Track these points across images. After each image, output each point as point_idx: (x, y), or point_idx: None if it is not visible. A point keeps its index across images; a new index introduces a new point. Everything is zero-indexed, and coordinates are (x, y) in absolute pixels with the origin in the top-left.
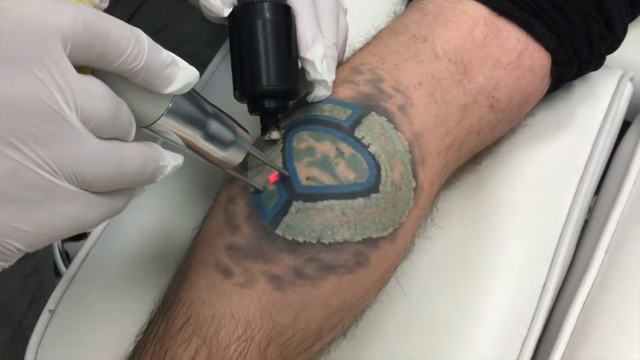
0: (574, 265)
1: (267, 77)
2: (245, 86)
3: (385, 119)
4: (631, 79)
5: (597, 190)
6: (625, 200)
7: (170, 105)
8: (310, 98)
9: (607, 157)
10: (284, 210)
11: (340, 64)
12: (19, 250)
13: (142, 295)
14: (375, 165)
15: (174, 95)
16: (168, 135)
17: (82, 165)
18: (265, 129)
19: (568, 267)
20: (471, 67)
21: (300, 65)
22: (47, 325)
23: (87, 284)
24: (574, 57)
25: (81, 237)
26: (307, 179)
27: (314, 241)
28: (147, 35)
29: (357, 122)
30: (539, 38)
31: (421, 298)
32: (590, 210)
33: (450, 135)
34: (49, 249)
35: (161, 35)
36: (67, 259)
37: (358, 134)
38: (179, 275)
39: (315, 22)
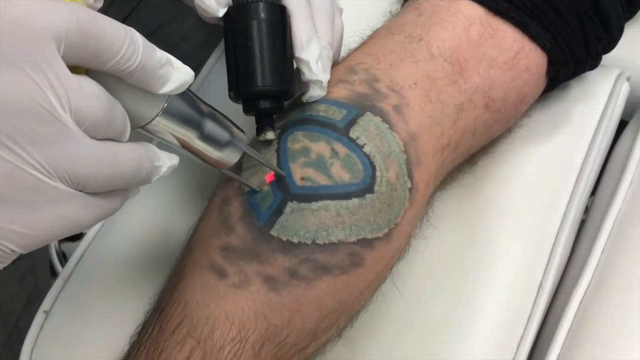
0: (570, 265)
1: (262, 78)
2: (240, 86)
3: (381, 119)
4: (628, 79)
5: (594, 190)
6: (622, 200)
7: (166, 105)
8: (305, 98)
9: (603, 157)
10: (278, 211)
11: (335, 63)
12: (13, 251)
13: (138, 296)
14: (370, 166)
15: (169, 95)
16: (163, 135)
17: (76, 166)
18: (260, 130)
19: (564, 267)
20: (467, 66)
21: (295, 66)
22: (42, 325)
23: (83, 285)
24: (570, 57)
25: (78, 237)
26: (302, 179)
27: (309, 242)
28: (141, 35)
29: (352, 122)
30: (534, 38)
31: (417, 299)
32: (587, 211)
33: (445, 135)
34: (45, 249)
35: (157, 36)
36: (64, 259)
37: (353, 134)
38: (174, 276)
39: (310, 22)
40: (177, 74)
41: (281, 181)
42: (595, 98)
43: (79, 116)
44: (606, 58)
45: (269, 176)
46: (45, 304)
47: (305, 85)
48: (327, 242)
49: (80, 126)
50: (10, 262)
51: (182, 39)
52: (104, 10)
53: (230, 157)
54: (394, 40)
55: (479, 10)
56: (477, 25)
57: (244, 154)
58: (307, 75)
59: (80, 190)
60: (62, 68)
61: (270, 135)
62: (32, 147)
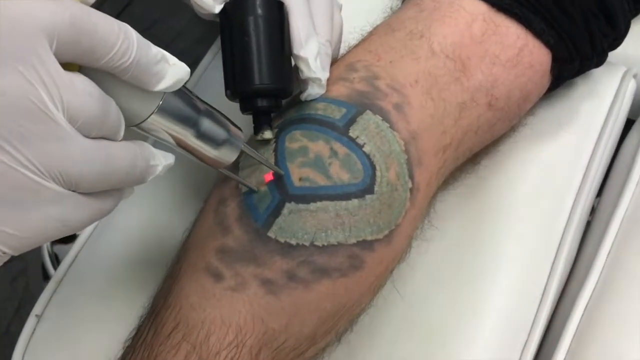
0: (576, 268)
1: (260, 76)
2: (237, 85)
3: (381, 118)
4: (635, 76)
5: (600, 191)
6: (629, 201)
7: (161, 102)
8: (303, 96)
9: (610, 156)
10: (276, 211)
11: (334, 61)
12: (4, 253)
13: (132, 299)
14: (370, 166)
15: (165, 92)
16: (159, 133)
17: (69, 165)
18: (257, 129)
19: (570, 269)
20: (469, 63)
21: (293, 63)
22: (34, 330)
23: (75, 288)
24: (575, 54)
25: (71, 239)
26: (300, 179)
27: (307, 244)
28: (135, 31)
29: (351, 121)
30: (538, 34)
31: (418, 302)
32: (593, 211)
33: (447, 134)
34: (37, 251)
35: (151, 32)
36: (57, 261)
37: (352, 133)
38: (169, 278)
39: (308, 18)
40: (172, 71)
41: (279, 181)
42: (601, 96)
43: (71, 114)
44: (612, 55)
45: (268, 175)
46: (37, 308)
47: (303, 83)
48: (325, 244)
49: (73, 124)
50: (1, 264)
51: (177, 36)
52: (97, 7)
53: (227, 155)
54: (394, 36)
55: (481, 6)
56: (479, 22)
57: (242, 153)
58: (306, 72)
59: (73, 190)
60: (54, 65)
61: (267, 134)
62: (24, 146)
